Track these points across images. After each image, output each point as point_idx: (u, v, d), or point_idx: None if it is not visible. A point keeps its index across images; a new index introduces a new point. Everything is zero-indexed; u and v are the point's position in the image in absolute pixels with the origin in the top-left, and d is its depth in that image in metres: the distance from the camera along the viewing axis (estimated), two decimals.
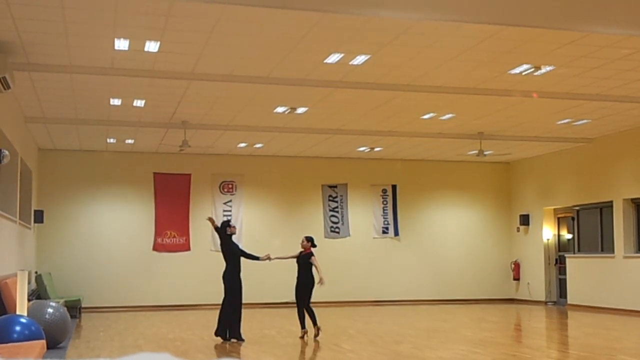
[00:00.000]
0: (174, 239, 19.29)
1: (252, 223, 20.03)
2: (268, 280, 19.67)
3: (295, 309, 12.71)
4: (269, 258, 12.96)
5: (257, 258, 12.84)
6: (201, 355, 10.87)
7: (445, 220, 21.54)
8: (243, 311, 12.41)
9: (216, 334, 12.27)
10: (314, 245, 12.85)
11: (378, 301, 20.53)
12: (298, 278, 12.71)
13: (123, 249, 19.12)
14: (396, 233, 21.10)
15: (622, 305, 16.97)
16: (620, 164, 17.27)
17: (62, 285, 18.18)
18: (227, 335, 12.21)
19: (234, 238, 12.76)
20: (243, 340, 12.13)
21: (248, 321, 15.23)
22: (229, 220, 12.79)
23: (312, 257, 12.68)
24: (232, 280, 12.31)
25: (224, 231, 12.56)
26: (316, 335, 12.41)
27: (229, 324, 12.23)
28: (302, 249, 12.85)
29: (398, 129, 16.39)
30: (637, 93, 13.03)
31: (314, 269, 12.65)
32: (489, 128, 16.36)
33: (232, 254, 12.42)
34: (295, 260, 12.87)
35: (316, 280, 12.64)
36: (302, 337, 12.42)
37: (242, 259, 12.50)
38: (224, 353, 10.87)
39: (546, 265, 20.43)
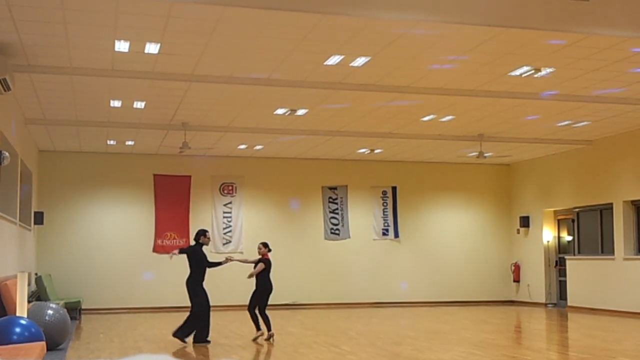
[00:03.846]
0: (174, 241, 19.29)
1: (252, 225, 20.03)
2: None
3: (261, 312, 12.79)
4: (230, 260, 13.00)
5: (219, 264, 12.83)
6: (201, 357, 10.87)
7: (445, 222, 21.54)
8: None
9: (174, 335, 12.22)
10: (269, 250, 12.96)
11: (378, 303, 20.53)
12: (256, 284, 12.77)
13: (123, 250, 19.13)
14: (396, 235, 21.10)
15: (622, 307, 16.97)
16: (620, 165, 17.28)
17: (62, 287, 18.19)
18: (194, 339, 12.16)
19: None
20: (209, 342, 12.12)
21: (248, 322, 15.22)
22: (205, 230, 12.75)
23: (259, 264, 12.71)
24: (196, 289, 12.27)
25: (198, 239, 12.55)
26: (256, 336, 12.48)
27: (200, 329, 12.20)
28: (260, 256, 12.91)
29: (398, 130, 16.40)
30: (637, 95, 13.04)
31: (271, 275, 12.81)
32: (489, 130, 16.37)
33: (200, 263, 12.38)
34: (253, 266, 12.91)
35: (273, 283, 12.90)
36: (255, 339, 12.46)
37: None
38: (224, 354, 10.87)
39: (546, 267, 20.43)
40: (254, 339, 12.46)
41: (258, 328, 12.58)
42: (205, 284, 12.47)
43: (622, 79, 11.85)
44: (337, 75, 11.51)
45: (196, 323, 12.19)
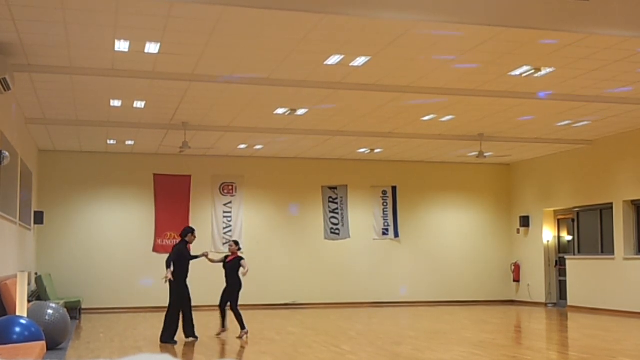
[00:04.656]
0: (174, 241, 19.24)
1: (252, 225, 20.04)
2: (269, 282, 19.67)
3: (222, 310, 13.03)
4: (206, 256, 13.19)
5: (197, 257, 13.02)
6: (200, 357, 10.87)
7: (445, 222, 21.54)
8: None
9: (162, 340, 12.24)
10: (239, 249, 13.25)
11: (378, 303, 20.53)
12: (227, 281, 12.95)
13: (123, 250, 19.12)
14: (396, 234, 21.10)
15: (622, 307, 16.97)
16: (620, 165, 17.28)
17: (62, 287, 18.19)
18: (186, 335, 12.37)
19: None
20: (197, 338, 12.37)
21: (248, 322, 15.22)
22: (194, 229, 12.88)
23: (243, 261, 12.94)
24: (181, 285, 12.38)
25: (185, 236, 12.69)
26: (240, 337, 12.65)
27: (185, 325, 12.41)
28: (230, 253, 13.14)
29: (398, 130, 16.40)
30: (637, 95, 13.04)
31: (240, 272, 12.94)
32: (489, 129, 16.37)
33: (184, 260, 12.50)
34: (222, 264, 13.10)
35: (243, 280, 13.02)
36: (218, 335, 12.78)
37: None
38: (224, 354, 10.88)
39: (546, 266, 20.43)
40: (217, 334, 12.76)
41: (223, 325, 12.86)
42: (196, 282, 12.66)
43: (622, 79, 11.85)
44: (337, 74, 11.51)
45: (175, 320, 12.36)
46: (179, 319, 12.37)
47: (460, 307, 20.25)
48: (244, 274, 12.84)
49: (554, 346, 12.43)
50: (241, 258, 13.03)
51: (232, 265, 12.95)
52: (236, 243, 13.35)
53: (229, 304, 12.88)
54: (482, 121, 15.34)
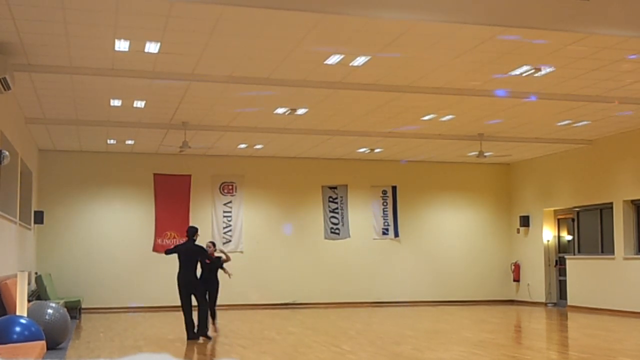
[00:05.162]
0: (174, 240, 19.27)
1: (252, 224, 20.04)
2: (269, 282, 19.67)
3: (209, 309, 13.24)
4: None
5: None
6: (201, 356, 10.87)
7: (445, 222, 21.54)
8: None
9: (199, 334, 12.48)
10: (216, 250, 13.62)
11: (378, 302, 20.53)
12: (214, 281, 13.25)
13: (123, 249, 19.12)
14: (396, 234, 21.10)
15: (622, 307, 16.97)
16: (620, 165, 17.28)
17: (62, 286, 18.19)
18: (196, 334, 12.51)
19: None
20: (199, 338, 12.48)
21: (248, 322, 15.24)
22: (197, 228, 13.00)
23: (225, 266, 13.33)
24: (188, 282, 12.55)
25: (193, 236, 12.80)
26: (214, 326, 13.22)
27: (199, 322, 12.58)
28: (209, 254, 13.33)
29: (398, 130, 16.39)
30: (637, 95, 13.03)
31: (228, 276, 13.35)
32: (489, 129, 16.37)
33: (192, 258, 12.64)
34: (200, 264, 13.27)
35: (224, 278, 13.47)
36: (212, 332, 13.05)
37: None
38: (224, 354, 10.88)
39: (546, 266, 20.43)
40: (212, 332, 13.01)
41: (213, 322, 13.16)
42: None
43: (622, 79, 11.85)
44: (337, 74, 11.51)
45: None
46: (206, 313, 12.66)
47: (460, 307, 20.25)
48: (230, 276, 13.36)
49: (554, 346, 12.43)
50: (219, 258, 13.35)
51: (212, 265, 13.18)
52: (214, 244, 13.61)
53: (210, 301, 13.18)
54: (482, 121, 15.34)
